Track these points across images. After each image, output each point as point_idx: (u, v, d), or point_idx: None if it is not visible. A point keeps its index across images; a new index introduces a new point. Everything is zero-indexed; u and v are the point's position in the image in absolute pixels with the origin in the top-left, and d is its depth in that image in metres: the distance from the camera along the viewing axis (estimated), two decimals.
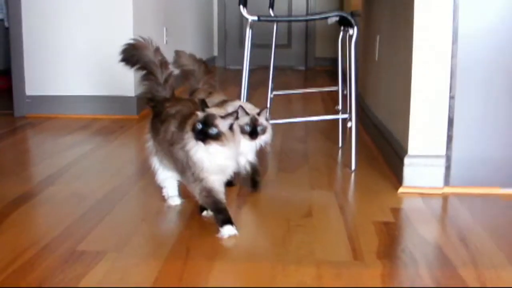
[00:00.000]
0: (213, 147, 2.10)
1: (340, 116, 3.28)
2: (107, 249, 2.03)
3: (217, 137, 2.09)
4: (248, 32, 3.14)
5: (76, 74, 4.40)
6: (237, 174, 2.53)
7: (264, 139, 2.56)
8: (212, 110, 2.16)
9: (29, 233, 2.19)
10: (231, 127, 2.13)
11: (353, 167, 3.02)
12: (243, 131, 2.48)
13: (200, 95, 2.74)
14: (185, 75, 2.92)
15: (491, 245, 2.09)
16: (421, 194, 2.63)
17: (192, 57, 2.90)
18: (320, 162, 3.17)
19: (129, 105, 4.40)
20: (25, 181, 2.86)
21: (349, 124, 3.05)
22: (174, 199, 2.48)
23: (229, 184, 2.51)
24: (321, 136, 3.82)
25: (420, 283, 1.80)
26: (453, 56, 2.60)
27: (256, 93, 5.25)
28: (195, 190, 2.18)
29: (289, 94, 3.97)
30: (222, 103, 2.64)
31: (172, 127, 2.25)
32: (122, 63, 2.44)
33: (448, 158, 2.66)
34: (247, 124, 2.51)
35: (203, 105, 2.15)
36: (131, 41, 2.43)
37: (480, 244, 2.11)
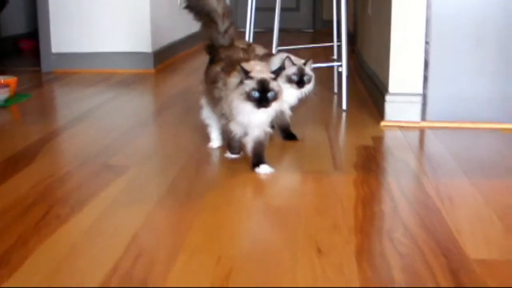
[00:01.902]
0: (272, 107, 2.23)
1: (335, 64, 3.66)
2: (132, 164, 2.46)
3: (275, 98, 2.22)
4: None
5: (98, 32, 4.81)
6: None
7: (308, 88, 2.71)
8: (252, 67, 2.25)
9: (64, 156, 2.64)
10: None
11: (344, 107, 3.42)
12: (290, 81, 2.65)
13: (239, 46, 2.90)
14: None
15: (452, 164, 2.50)
16: (400, 127, 3.04)
17: None
18: (316, 104, 3.57)
19: (147, 60, 4.82)
20: (56, 120, 3.30)
21: (339, 69, 3.45)
22: (215, 142, 2.65)
23: (291, 137, 2.77)
24: (319, 84, 4.20)
25: (386, 186, 2.22)
26: (428, 6, 2.98)
27: None
28: (221, 121, 2.43)
29: (294, 50, 4.35)
30: (266, 56, 2.81)
31: (218, 67, 2.39)
32: (186, 10, 2.56)
33: (424, 96, 3.06)
34: (294, 74, 2.66)
35: (244, 72, 2.21)
36: None
37: (443, 162, 2.52)
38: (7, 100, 3.61)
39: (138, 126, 3.10)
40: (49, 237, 1.77)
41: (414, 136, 2.93)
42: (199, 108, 2.66)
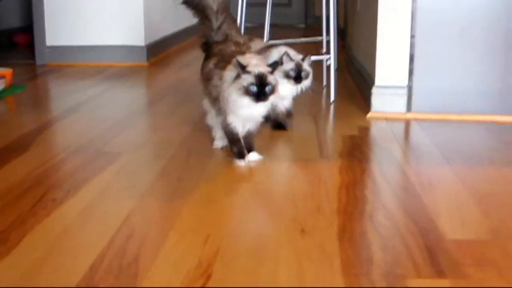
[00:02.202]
0: (270, 100, 2.24)
1: (324, 57, 3.74)
2: (124, 151, 2.54)
3: (273, 91, 2.23)
4: None
5: (92, 26, 4.88)
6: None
7: (306, 83, 2.73)
8: (248, 61, 2.25)
9: (59, 144, 2.72)
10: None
11: (332, 99, 3.51)
12: (288, 76, 2.67)
13: (233, 40, 2.89)
14: None
15: (435, 153, 2.58)
16: (386, 119, 3.13)
17: None
18: (305, 96, 3.65)
19: (140, 53, 4.89)
20: (51, 111, 3.38)
21: (328, 62, 3.53)
22: (219, 141, 2.58)
23: (281, 126, 2.83)
24: None
25: (369, 172, 2.31)
26: (414, 0, 3.07)
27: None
28: (219, 120, 2.41)
29: (284, 44, 4.42)
30: (266, 49, 2.82)
31: (211, 64, 2.40)
32: (184, 5, 2.58)
33: (410, 88, 3.15)
34: (292, 69, 2.67)
35: (241, 66, 2.20)
36: None
37: (426, 151, 2.61)
38: (2, 91, 3.68)
39: (131, 116, 3.18)
40: (45, 218, 1.85)
41: (400, 126, 3.01)
42: (204, 112, 2.65)
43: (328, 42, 3.89)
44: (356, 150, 2.58)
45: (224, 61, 2.31)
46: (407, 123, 3.07)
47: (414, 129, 2.98)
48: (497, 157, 2.54)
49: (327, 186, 2.15)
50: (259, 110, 2.28)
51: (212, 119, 2.55)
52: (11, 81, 3.84)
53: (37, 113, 3.25)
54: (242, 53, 2.34)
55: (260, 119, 2.36)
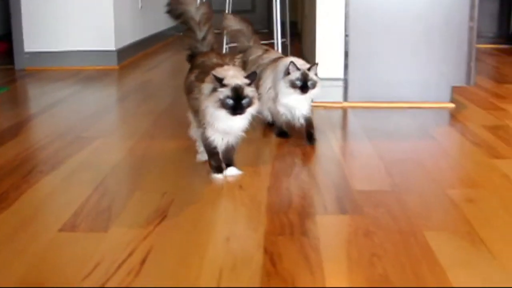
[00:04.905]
0: (247, 114, 2.22)
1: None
2: (99, 136, 3.00)
3: (250, 104, 2.21)
4: None
5: (67, 33, 5.32)
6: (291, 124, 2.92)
7: (314, 92, 2.71)
8: (225, 73, 2.22)
9: (42, 132, 3.16)
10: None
11: None
12: (294, 86, 2.66)
13: (257, 52, 3.01)
14: (234, 35, 3.04)
15: (361, 132, 3.07)
16: (325, 107, 3.63)
17: (237, 17, 3.04)
18: None
19: (110, 57, 5.35)
20: (33, 107, 3.82)
21: None
22: (202, 155, 2.50)
23: (283, 134, 2.89)
24: None
25: (302, 147, 2.79)
26: (347, 4, 3.57)
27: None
28: (197, 133, 2.45)
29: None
30: (275, 60, 2.87)
31: (192, 76, 2.38)
32: (167, 15, 2.56)
33: (345, 81, 3.65)
34: (298, 78, 2.66)
35: (218, 80, 2.18)
36: None
37: (354, 132, 3.11)
38: None
39: (103, 110, 3.64)
40: (35, 184, 2.32)
41: (336, 113, 3.51)
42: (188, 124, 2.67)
43: (283, 44, 4.40)
44: (295, 132, 3.06)
45: (205, 74, 2.28)
46: (344, 111, 3.57)
47: (348, 115, 3.48)
48: (412, 134, 3.04)
49: (264, 157, 2.64)
50: (238, 123, 2.25)
51: (195, 132, 2.50)
52: None
53: (20, 109, 3.70)
54: (222, 65, 2.33)
55: (240, 132, 2.33)
